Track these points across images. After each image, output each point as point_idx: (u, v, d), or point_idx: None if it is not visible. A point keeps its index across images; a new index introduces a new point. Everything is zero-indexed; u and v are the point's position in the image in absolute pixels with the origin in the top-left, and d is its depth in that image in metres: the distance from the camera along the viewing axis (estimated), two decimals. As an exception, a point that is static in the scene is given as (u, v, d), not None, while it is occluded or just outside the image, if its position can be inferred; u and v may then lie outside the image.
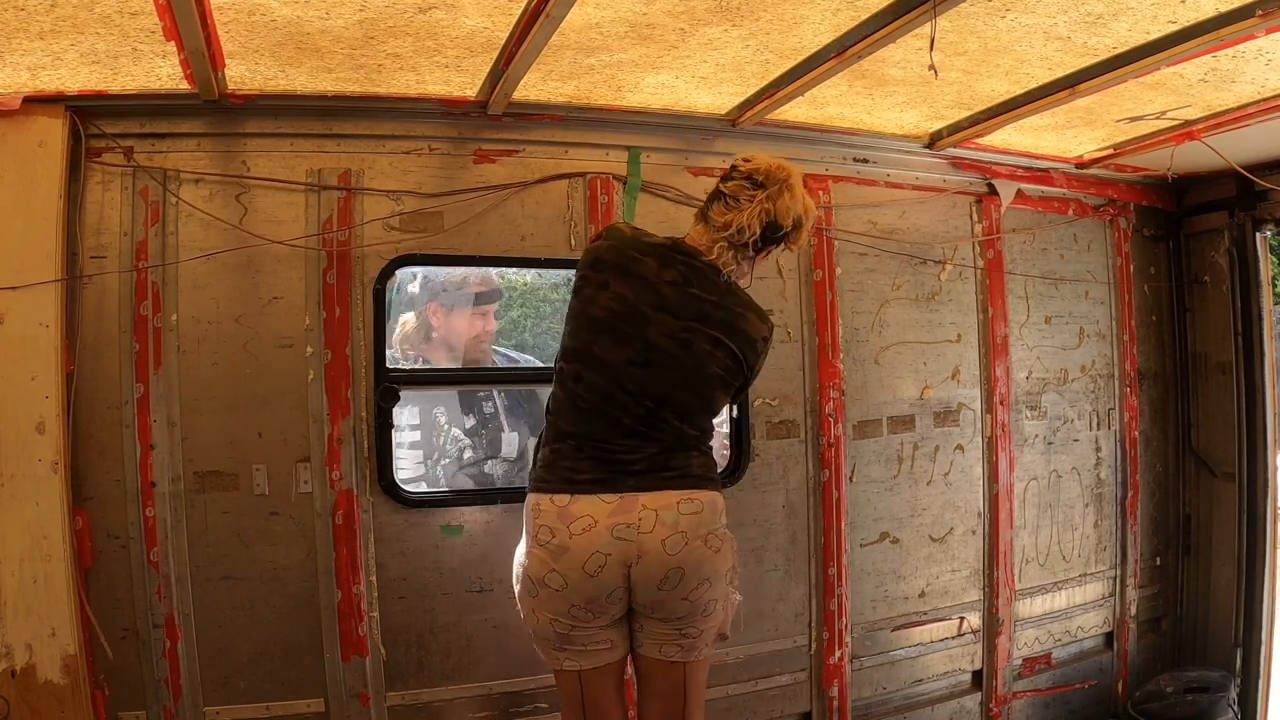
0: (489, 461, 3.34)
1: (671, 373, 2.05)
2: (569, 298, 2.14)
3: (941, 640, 3.38)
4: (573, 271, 2.17)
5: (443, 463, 3.35)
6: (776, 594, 3.08)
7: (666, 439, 2.07)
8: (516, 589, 2.12)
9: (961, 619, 3.41)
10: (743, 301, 2.15)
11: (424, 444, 3.35)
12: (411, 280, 3.48)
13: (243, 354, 2.56)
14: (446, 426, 3.37)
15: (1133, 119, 2.93)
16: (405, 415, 3.33)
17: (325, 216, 2.61)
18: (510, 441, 3.33)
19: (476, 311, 3.40)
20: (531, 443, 3.31)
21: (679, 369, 2.06)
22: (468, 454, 3.33)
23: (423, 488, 3.28)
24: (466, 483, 3.32)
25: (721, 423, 2.92)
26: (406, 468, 3.31)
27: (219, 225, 2.54)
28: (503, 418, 3.33)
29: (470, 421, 3.36)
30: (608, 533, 1.99)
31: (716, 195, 2.12)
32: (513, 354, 3.75)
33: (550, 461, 2.08)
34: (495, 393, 3.42)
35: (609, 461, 2.03)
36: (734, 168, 2.12)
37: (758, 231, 2.07)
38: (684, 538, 2.02)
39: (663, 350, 2.04)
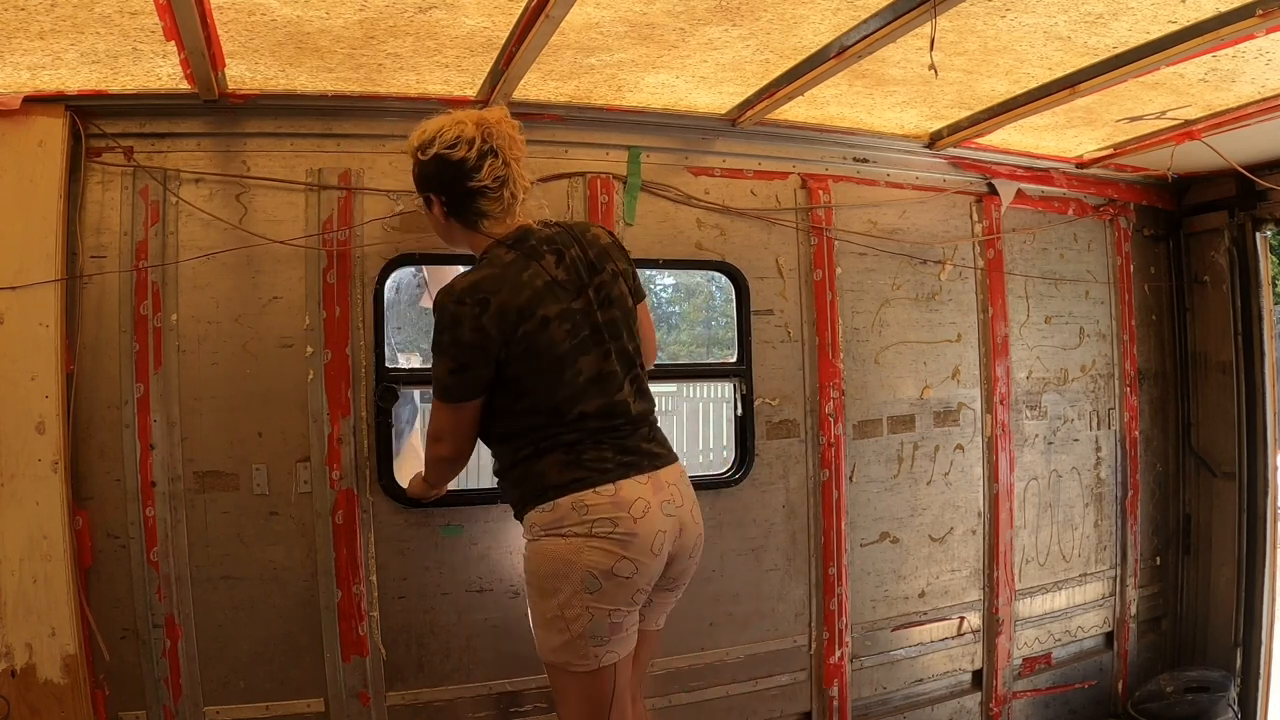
0: None
1: (621, 337, 2.11)
2: (498, 377, 2.03)
3: (941, 640, 3.38)
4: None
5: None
6: (776, 594, 3.08)
7: (649, 414, 2.15)
8: (557, 595, 1.98)
9: (961, 619, 3.41)
10: (579, 226, 2.19)
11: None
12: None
13: (243, 354, 2.56)
14: None
15: (1133, 119, 2.94)
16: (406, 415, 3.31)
17: (325, 216, 2.61)
18: None
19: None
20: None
21: (620, 326, 2.12)
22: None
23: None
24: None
25: None
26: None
27: (219, 225, 2.54)
28: None
29: None
30: (660, 510, 2.02)
31: (486, 187, 2.05)
32: None
33: (571, 461, 2.01)
34: None
35: (626, 449, 2.05)
36: (440, 157, 2.04)
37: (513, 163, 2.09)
38: (697, 507, 2.15)
39: (609, 324, 2.10)
